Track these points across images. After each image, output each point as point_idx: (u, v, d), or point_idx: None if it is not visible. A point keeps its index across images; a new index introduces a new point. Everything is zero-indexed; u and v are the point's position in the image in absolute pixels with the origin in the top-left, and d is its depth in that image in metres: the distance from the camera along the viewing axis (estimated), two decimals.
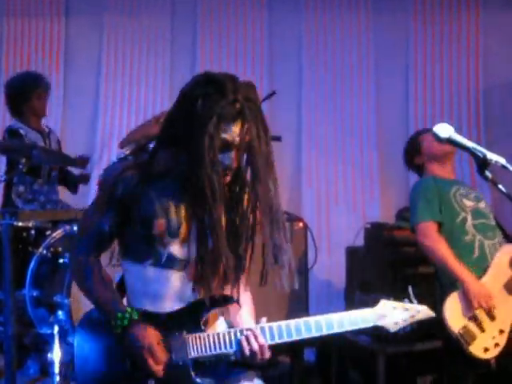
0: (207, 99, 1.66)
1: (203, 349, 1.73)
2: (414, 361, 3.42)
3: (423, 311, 1.89)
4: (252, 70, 4.90)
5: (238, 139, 1.67)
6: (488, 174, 1.70)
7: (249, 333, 1.72)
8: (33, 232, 3.22)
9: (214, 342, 1.73)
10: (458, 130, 1.79)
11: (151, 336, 1.71)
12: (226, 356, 1.77)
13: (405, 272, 3.44)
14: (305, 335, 1.76)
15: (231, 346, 1.73)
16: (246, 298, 1.86)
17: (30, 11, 4.91)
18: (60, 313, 3.01)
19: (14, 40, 4.89)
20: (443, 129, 1.76)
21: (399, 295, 2.92)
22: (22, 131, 3.75)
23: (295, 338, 1.76)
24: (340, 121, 4.85)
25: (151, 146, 3.55)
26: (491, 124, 4.85)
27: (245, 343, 1.71)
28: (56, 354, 2.93)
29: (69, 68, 4.92)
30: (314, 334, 1.77)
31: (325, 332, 1.77)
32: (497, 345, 2.87)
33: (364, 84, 4.94)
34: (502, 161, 1.67)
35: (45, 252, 3.16)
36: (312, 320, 1.77)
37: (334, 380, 3.56)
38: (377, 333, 2.89)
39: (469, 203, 3.07)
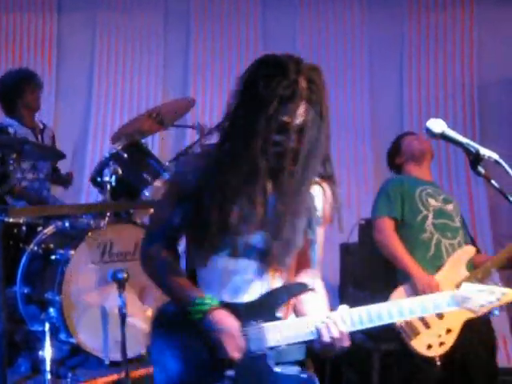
0: (269, 80, 1.64)
1: (282, 338, 1.70)
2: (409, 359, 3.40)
3: (509, 294, 1.82)
4: (246, 66, 4.87)
5: (296, 121, 1.65)
6: (481, 169, 1.69)
7: (329, 320, 1.69)
8: (24, 228, 3.20)
9: (293, 331, 1.70)
10: (453, 127, 1.77)
11: (232, 321, 1.68)
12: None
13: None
14: (387, 321, 1.72)
15: (311, 334, 1.70)
16: (318, 284, 1.83)
17: (21, 7, 4.88)
18: (51, 310, 2.99)
19: (5, 36, 4.86)
20: (436, 124, 1.75)
21: (393, 291, 2.95)
22: (10, 129, 3.73)
23: (377, 324, 1.72)
24: (334, 117, 4.80)
25: (143, 141, 3.55)
26: (486, 120, 4.85)
27: (325, 331, 1.67)
28: (47, 352, 2.90)
29: (61, 65, 4.90)
30: (396, 319, 1.73)
31: (407, 317, 1.76)
32: (442, 344, 2.86)
33: (358, 81, 4.93)
34: (495, 156, 1.66)
35: (36, 248, 3.13)
36: (395, 305, 1.74)
37: (328, 378, 3.55)
38: (371, 331, 2.91)
39: (434, 203, 3.10)
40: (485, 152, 1.67)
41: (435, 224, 3.04)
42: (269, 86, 1.63)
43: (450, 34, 4.93)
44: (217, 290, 1.74)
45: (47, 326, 2.96)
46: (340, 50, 4.96)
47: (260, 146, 1.64)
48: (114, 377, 2.95)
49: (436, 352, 2.86)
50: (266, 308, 1.72)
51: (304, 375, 1.72)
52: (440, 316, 2.84)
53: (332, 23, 4.99)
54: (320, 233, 1.81)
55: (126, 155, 3.38)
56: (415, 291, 2.87)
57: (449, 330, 2.88)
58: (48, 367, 2.87)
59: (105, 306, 3.08)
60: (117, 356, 2.96)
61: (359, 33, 4.97)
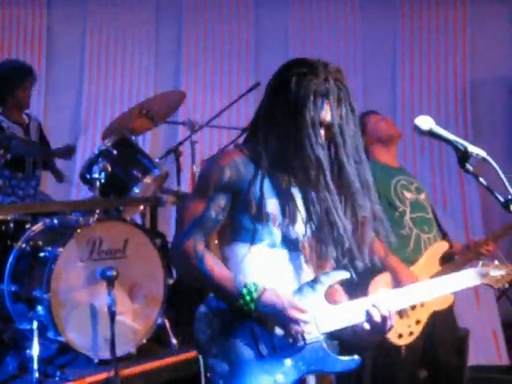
0: (301, 78, 1.72)
1: (334, 323, 1.75)
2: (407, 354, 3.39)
3: None
4: (238, 63, 4.86)
5: (329, 117, 1.73)
6: (469, 166, 1.67)
7: (376, 301, 1.76)
8: (11, 225, 3.16)
9: (343, 315, 1.76)
10: (446, 125, 1.76)
11: (285, 294, 1.71)
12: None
13: None
14: (422, 299, 1.91)
15: (361, 317, 1.76)
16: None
17: (11, 2, 4.84)
18: (39, 308, 2.96)
19: None
20: (424, 121, 1.73)
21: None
22: (3, 124, 3.68)
23: (410, 303, 1.90)
24: None
25: (133, 137, 3.52)
26: (479, 118, 4.84)
27: (375, 311, 1.74)
28: (35, 350, 2.87)
29: (51, 61, 4.86)
30: (426, 298, 1.92)
31: (435, 295, 1.89)
32: (411, 333, 2.90)
33: (351, 79, 4.90)
34: (483, 153, 1.65)
35: (24, 246, 3.10)
36: (427, 284, 1.91)
37: None
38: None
39: (409, 195, 3.06)
40: (473, 149, 1.66)
41: (413, 218, 3.02)
42: (302, 83, 1.72)
43: (442, 33, 4.93)
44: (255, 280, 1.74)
45: (35, 324, 2.93)
46: (333, 48, 4.95)
47: (308, 141, 1.70)
48: (103, 375, 2.91)
49: (405, 341, 2.90)
50: (311, 295, 1.75)
51: (357, 358, 1.77)
52: (413, 307, 2.87)
53: (325, 21, 4.97)
54: None
55: (115, 152, 3.35)
56: (394, 284, 2.87)
57: (418, 321, 2.92)
58: (36, 366, 2.84)
59: (94, 304, 3.05)
60: (106, 354, 2.95)
61: (352, 30, 4.96)
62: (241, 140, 1.94)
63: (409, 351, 2.91)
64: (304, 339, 1.71)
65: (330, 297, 1.80)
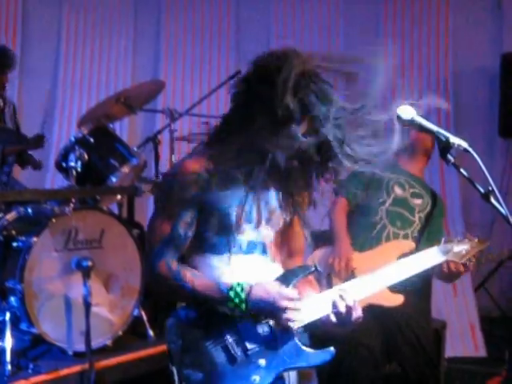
0: (278, 73, 1.67)
1: (304, 316, 1.75)
2: None
3: (481, 241, 2.19)
4: (218, 51, 4.79)
5: (308, 111, 1.69)
6: (450, 157, 1.65)
7: (341, 291, 1.78)
8: None
9: (312, 308, 1.77)
10: (427, 114, 1.73)
11: (272, 286, 1.71)
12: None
13: None
14: (390, 282, 1.94)
15: (328, 308, 1.77)
16: None
17: None
18: (12, 299, 2.90)
19: None
20: (406, 111, 1.70)
21: None
22: None
23: (380, 288, 1.90)
24: None
25: (110, 125, 3.44)
26: (460, 108, 4.84)
27: (340, 302, 1.75)
28: (8, 342, 2.81)
29: (26, 46, 4.75)
30: (393, 281, 1.93)
31: (404, 276, 1.93)
32: None
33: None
34: (464, 144, 1.63)
35: None
36: (388, 269, 1.93)
37: None
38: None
39: (399, 191, 3.06)
40: (454, 140, 1.64)
41: (389, 211, 3.02)
42: (278, 79, 1.66)
43: (425, 23, 4.92)
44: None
45: (8, 315, 2.87)
46: (315, 35, 4.91)
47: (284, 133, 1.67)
48: (78, 368, 2.87)
49: None
50: None
51: (332, 349, 1.77)
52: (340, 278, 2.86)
53: (307, 8, 4.93)
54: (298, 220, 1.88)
55: (92, 140, 3.29)
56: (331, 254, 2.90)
57: None
58: (8, 358, 2.78)
59: (68, 295, 3.00)
60: (81, 346, 2.90)
61: (334, 18, 4.92)
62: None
63: (367, 351, 2.88)
64: (297, 327, 1.73)
65: (301, 290, 1.81)
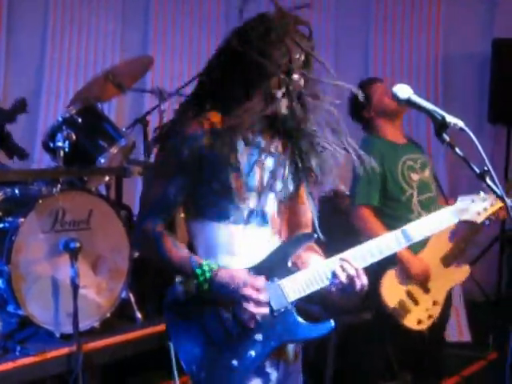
0: (262, 36, 1.67)
1: (300, 289, 1.70)
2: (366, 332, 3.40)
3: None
4: (208, 29, 4.73)
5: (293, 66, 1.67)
6: (446, 137, 1.63)
7: (341, 261, 1.70)
8: None
9: (310, 280, 1.70)
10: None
11: (240, 273, 1.66)
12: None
13: (361, 242, 3.39)
14: (396, 248, 1.77)
15: (327, 279, 1.71)
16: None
17: None
18: None
19: None
20: (402, 90, 1.68)
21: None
22: None
23: (386, 254, 1.76)
24: None
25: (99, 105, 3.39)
26: (449, 92, 4.83)
27: (340, 271, 1.69)
28: None
29: (12, 25, 4.65)
30: (405, 244, 1.78)
31: (416, 239, 1.79)
32: (430, 316, 2.96)
33: (323, 48, 4.85)
34: (461, 123, 1.61)
35: None
36: (397, 232, 1.78)
37: None
38: (328, 302, 2.90)
39: (415, 177, 3.03)
40: (450, 119, 1.62)
41: (421, 201, 2.99)
42: (262, 41, 1.65)
43: (417, 8, 4.88)
44: (224, 259, 1.71)
45: None
46: (305, 17, 4.85)
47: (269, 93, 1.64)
48: (65, 350, 2.86)
49: (425, 325, 2.95)
50: (276, 264, 1.71)
51: (330, 322, 1.72)
52: (426, 290, 2.94)
53: None
54: (305, 193, 1.82)
55: (80, 120, 3.24)
56: (407, 274, 2.92)
57: (435, 303, 2.97)
58: None
59: (56, 276, 2.98)
60: (68, 329, 2.89)
61: (325, 9, 4.87)
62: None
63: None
64: (256, 321, 1.66)
65: (302, 261, 1.77)
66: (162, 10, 4.78)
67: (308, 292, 1.70)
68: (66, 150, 3.12)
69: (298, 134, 1.72)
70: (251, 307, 1.64)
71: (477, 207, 1.90)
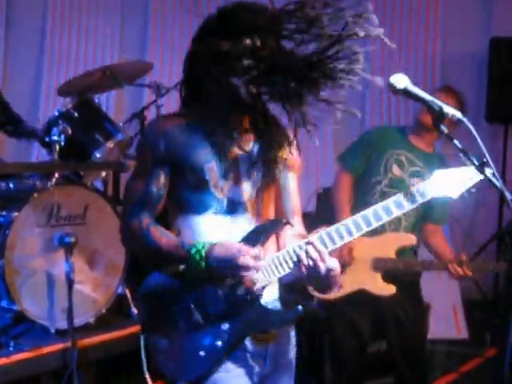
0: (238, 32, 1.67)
1: (267, 274, 1.69)
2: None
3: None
4: None
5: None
6: (444, 128, 1.61)
7: (307, 244, 1.67)
8: None
9: (275, 265, 1.69)
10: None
11: (234, 244, 1.66)
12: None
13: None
14: (365, 229, 1.70)
15: (293, 263, 1.68)
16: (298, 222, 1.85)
17: None
18: None
19: None
20: (399, 79, 1.67)
21: None
22: None
23: (355, 235, 1.70)
24: None
25: (96, 99, 3.37)
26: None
27: (303, 255, 1.66)
28: None
29: (11, 20, 4.62)
30: (374, 224, 1.71)
31: (385, 218, 1.71)
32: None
33: None
34: (458, 114, 1.59)
35: None
36: (369, 211, 1.71)
37: None
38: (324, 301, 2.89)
39: (397, 171, 2.99)
40: (448, 110, 1.60)
41: (384, 191, 2.95)
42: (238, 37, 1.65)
43: (415, 7, 4.87)
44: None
45: None
46: None
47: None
48: (60, 346, 2.83)
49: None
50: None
51: (298, 308, 1.71)
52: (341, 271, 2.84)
53: None
54: (292, 179, 1.82)
55: (76, 114, 3.22)
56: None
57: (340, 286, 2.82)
58: None
59: (51, 271, 2.96)
60: (63, 324, 2.87)
61: None
62: None
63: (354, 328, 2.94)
64: (257, 289, 1.67)
65: (269, 247, 1.76)
66: (162, 9, 4.75)
67: (273, 277, 1.69)
68: (62, 144, 3.10)
69: (264, 120, 1.73)
70: (251, 274, 1.63)
71: (453, 182, 1.71)
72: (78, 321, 2.92)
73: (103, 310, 3.11)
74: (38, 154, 4.31)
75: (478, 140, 1.53)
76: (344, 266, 2.84)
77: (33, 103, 4.49)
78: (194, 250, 1.64)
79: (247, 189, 1.74)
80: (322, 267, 1.64)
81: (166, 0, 4.77)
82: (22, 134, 3.32)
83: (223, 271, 1.65)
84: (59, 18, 4.66)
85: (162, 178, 1.71)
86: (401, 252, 2.93)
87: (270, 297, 1.72)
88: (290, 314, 1.72)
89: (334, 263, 1.65)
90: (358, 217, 1.70)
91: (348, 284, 2.87)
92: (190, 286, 1.69)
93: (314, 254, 1.65)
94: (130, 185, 1.78)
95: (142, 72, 3.82)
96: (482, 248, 4.53)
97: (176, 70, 4.63)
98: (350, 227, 1.69)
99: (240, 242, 1.69)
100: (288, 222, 1.76)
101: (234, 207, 1.73)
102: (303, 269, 1.66)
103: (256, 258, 1.63)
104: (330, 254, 1.68)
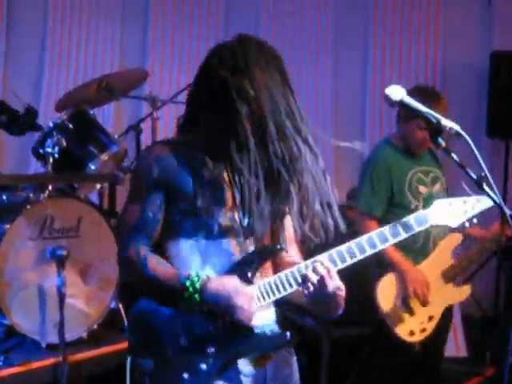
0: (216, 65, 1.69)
1: (261, 299, 1.67)
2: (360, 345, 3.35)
3: (483, 200, 1.73)
4: (207, 41, 4.69)
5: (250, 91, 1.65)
6: (441, 141, 1.57)
7: (314, 262, 1.64)
8: None
9: (272, 288, 1.67)
10: None
11: (231, 280, 1.64)
12: None
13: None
14: (369, 252, 1.69)
15: (297, 283, 1.65)
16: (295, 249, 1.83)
17: None
18: None
19: None
20: (395, 91, 1.63)
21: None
22: None
23: (368, 253, 1.69)
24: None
25: (91, 111, 3.34)
26: (448, 105, 4.77)
27: (311, 272, 1.63)
28: None
29: (12, 29, 4.60)
30: (391, 241, 1.70)
31: (403, 235, 1.70)
32: (423, 330, 2.92)
33: (322, 60, 4.80)
34: (457, 127, 1.55)
35: None
36: (372, 235, 1.70)
37: None
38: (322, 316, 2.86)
39: (423, 189, 2.99)
40: (446, 123, 1.56)
41: None
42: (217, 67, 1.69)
43: (415, 17, 4.85)
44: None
45: None
46: (304, 28, 4.83)
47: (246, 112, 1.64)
48: (51, 361, 2.79)
49: (417, 338, 2.92)
50: (239, 275, 1.68)
51: (286, 334, 1.70)
52: (424, 303, 2.91)
53: (297, 10, 4.84)
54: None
55: (71, 126, 3.19)
56: (403, 281, 2.89)
57: (431, 318, 2.94)
58: None
59: (43, 285, 2.92)
60: (55, 339, 2.82)
61: (324, 12, 4.84)
62: None
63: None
64: (251, 327, 1.64)
65: (263, 272, 1.73)
66: (161, 20, 4.74)
67: (273, 299, 1.67)
68: (56, 155, 3.07)
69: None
70: (245, 315, 1.61)
71: (453, 210, 1.72)
72: (70, 335, 2.88)
73: (96, 325, 3.06)
74: (35, 166, 4.27)
75: (477, 154, 1.48)
76: (424, 297, 2.90)
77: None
78: (188, 283, 1.62)
79: (240, 214, 1.71)
80: (330, 285, 1.61)
81: (166, 9, 4.74)
82: (18, 125, 3.22)
83: (217, 308, 1.64)
84: (59, 27, 4.60)
85: (158, 203, 1.70)
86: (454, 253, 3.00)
87: (262, 321, 1.70)
88: (281, 339, 1.70)
89: (339, 282, 1.62)
90: (373, 234, 1.69)
91: (436, 312, 2.94)
92: (180, 310, 1.68)
93: (323, 271, 1.62)
94: (124, 210, 1.76)
95: (139, 81, 3.78)
96: (482, 264, 4.47)
97: (176, 76, 4.61)
98: (364, 245, 1.69)
99: (233, 268, 1.67)
100: (282, 248, 1.73)
101: (226, 232, 1.70)
102: (310, 288, 1.63)
103: (251, 299, 1.62)
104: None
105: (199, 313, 1.66)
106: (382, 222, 2.90)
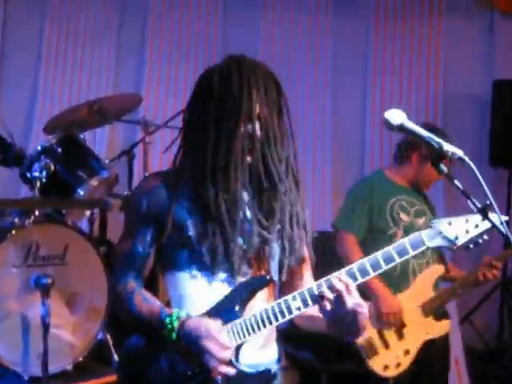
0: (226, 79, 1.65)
1: (250, 331, 1.60)
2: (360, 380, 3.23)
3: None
4: (204, 65, 4.64)
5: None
6: (443, 167, 1.48)
7: (331, 278, 1.55)
8: None
9: (263, 319, 1.59)
10: None
11: (207, 323, 1.59)
12: None
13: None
14: (374, 273, 1.61)
15: (305, 305, 1.56)
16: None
17: None
18: None
19: None
20: (395, 115, 1.53)
21: None
22: None
23: (377, 273, 1.60)
24: (295, 123, 4.64)
25: (81, 135, 3.25)
26: (451, 134, 4.71)
27: (326, 290, 1.53)
28: None
29: (5, 55, 4.56)
30: (405, 256, 1.61)
31: (397, 260, 1.61)
32: (398, 365, 2.84)
33: (321, 92, 4.76)
34: (460, 153, 1.46)
35: None
36: (377, 255, 1.62)
37: None
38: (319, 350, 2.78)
39: (405, 218, 2.93)
40: (448, 148, 1.46)
41: None
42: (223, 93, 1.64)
43: (415, 48, 4.84)
44: (196, 306, 1.66)
45: None
46: (303, 55, 4.79)
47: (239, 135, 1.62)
48: None
49: (391, 373, 2.83)
50: (224, 309, 1.63)
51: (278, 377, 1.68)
52: (400, 337, 2.84)
53: (296, 30, 4.81)
54: None
55: (60, 149, 3.10)
56: (376, 309, 2.80)
57: (407, 352, 2.86)
58: None
59: (26, 314, 2.82)
60: (38, 371, 2.72)
61: (323, 42, 4.84)
62: None
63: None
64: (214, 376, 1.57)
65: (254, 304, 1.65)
66: (158, 46, 4.71)
67: (271, 326, 1.60)
68: (44, 180, 2.98)
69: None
70: (213, 362, 1.54)
71: (454, 230, 1.57)
72: (54, 368, 2.79)
73: (81, 357, 2.95)
74: (25, 191, 4.19)
75: (481, 180, 1.38)
76: (400, 333, 2.84)
77: (25, 139, 4.36)
78: (168, 320, 1.59)
79: (232, 245, 1.66)
80: (349, 301, 1.51)
81: (162, 38, 4.71)
82: (9, 159, 3.13)
83: (190, 349, 1.58)
84: (54, 55, 4.56)
85: (148, 237, 1.69)
86: (436, 286, 2.94)
87: (248, 359, 1.63)
88: (265, 377, 1.66)
89: (359, 298, 1.53)
90: (390, 248, 1.60)
91: (413, 346, 2.86)
92: (165, 347, 1.63)
93: (340, 286, 1.52)
94: (119, 243, 1.77)
95: (133, 105, 3.71)
96: (486, 296, 4.38)
97: (171, 102, 4.55)
98: (382, 258, 1.60)
99: (221, 302, 1.62)
100: (272, 279, 1.66)
101: (219, 263, 1.66)
102: (327, 306, 1.52)
103: (224, 348, 1.54)
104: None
105: (181, 352, 1.60)
106: (361, 246, 2.89)
